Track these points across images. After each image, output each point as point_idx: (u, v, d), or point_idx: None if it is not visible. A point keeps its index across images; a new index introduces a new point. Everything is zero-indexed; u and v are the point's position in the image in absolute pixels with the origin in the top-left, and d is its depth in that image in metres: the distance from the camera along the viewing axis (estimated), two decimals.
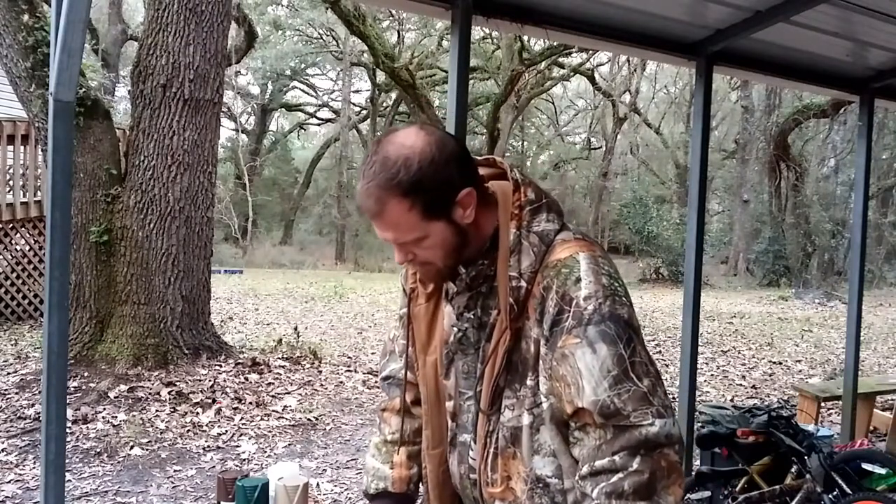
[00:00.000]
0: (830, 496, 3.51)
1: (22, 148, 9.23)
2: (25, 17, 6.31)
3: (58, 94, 2.18)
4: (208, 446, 5.08)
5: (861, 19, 3.47)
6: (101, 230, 6.64)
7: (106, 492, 4.27)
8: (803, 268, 19.40)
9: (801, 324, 12.31)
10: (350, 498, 4.25)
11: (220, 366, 6.86)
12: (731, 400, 6.63)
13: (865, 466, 3.74)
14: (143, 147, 6.75)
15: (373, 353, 8.47)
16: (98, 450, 4.85)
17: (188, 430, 5.34)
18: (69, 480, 4.24)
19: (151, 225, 6.73)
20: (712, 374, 7.93)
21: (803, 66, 4.21)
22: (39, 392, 5.55)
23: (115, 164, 6.85)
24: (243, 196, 26.81)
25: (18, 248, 9.22)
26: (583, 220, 32.46)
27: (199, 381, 6.37)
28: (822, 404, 5.31)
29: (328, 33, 27.79)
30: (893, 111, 15.85)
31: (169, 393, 5.95)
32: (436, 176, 1.19)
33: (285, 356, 7.56)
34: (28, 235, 9.31)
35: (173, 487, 4.38)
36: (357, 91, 32.63)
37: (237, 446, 5.11)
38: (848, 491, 3.47)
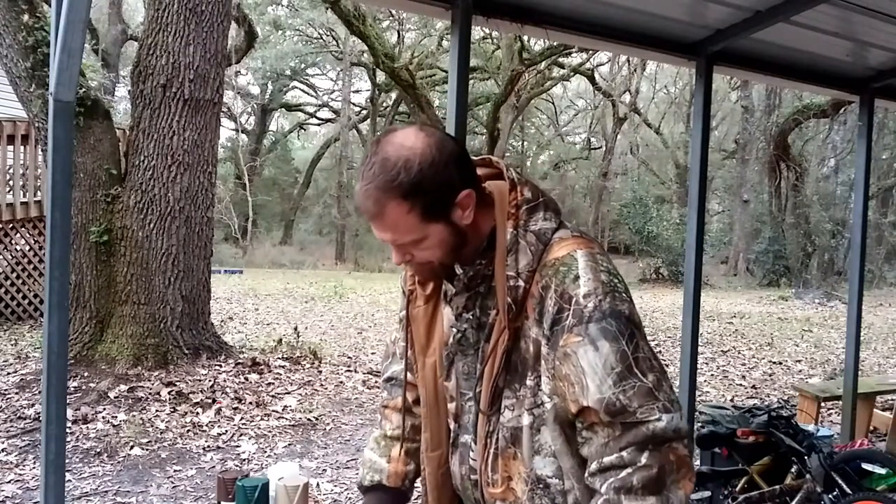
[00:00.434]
0: (830, 496, 3.51)
1: (22, 148, 9.23)
2: (25, 17, 6.31)
3: (58, 94, 2.18)
4: (208, 446, 5.08)
5: (861, 19, 3.46)
6: (101, 230, 6.64)
7: (106, 492, 4.27)
8: (803, 268, 19.40)
9: (801, 324, 12.31)
10: (350, 498, 4.25)
11: (220, 366, 6.86)
12: (731, 400, 6.63)
13: (865, 466, 3.74)
14: (143, 147, 6.75)
15: (373, 353, 8.47)
16: (98, 450, 4.85)
17: (188, 430, 5.34)
18: (69, 480, 4.24)
19: (151, 225, 6.73)
20: (712, 374, 7.93)
21: (803, 66, 4.21)
22: (39, 392, 5.55)
23: (115, 164, 6.85)
24: (243, 196, 26.81)
25: (18, 248, 9.22)
26: (583, 220, 32.44)
27: (199, 381, 6.37)
28: (822, 404, 5.31)
29: (328, 33, 27.79)
30: (893, 111, 15.85)
31: (169, 393, 5.95)
32: (436, 178, 1.19)
33: (285, 356, 7.56)
34: (28, 235, 9.31)
35: (173, 487, 4.38)
36: (357, 91, 32.66)
37: (237, 446, 5.11)
38: (848, 491, 3.47)
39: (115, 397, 5.80)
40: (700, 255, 3.88)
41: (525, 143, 33.88)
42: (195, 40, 6.79)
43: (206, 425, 5.46)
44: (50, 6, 4.04)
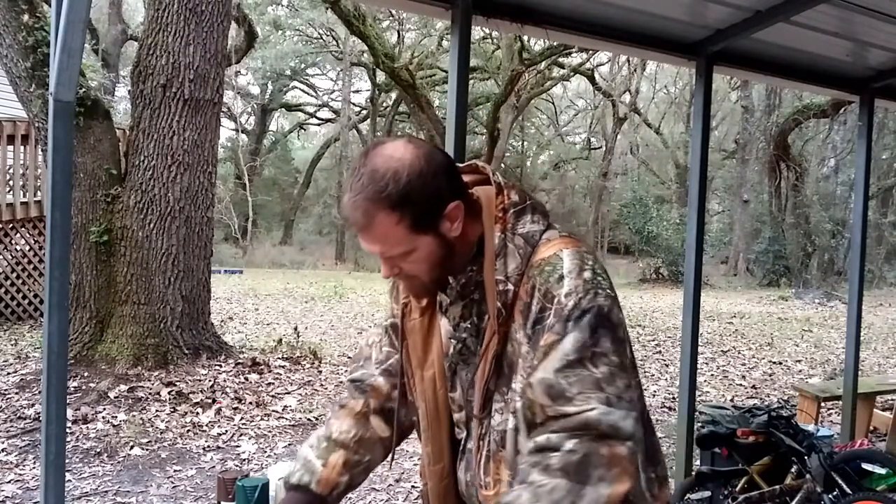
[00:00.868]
0: (830, 496, 3.51)
1: (22, 148, 9.23)
2: (25, 17, 6.31)
3: (58, 94, 2.18)
4: (208, 446, 5.08)
5: (861, 19, 3.47)
6: (101, 230, 6.64)
7: (106, 492, 4.27)
8: (803, 268, 19.41)
9: (801, 324, 12.31)
10: (350, 498, 4.25)
11: (220, 366, 6.86)
12: (731, 400, 6.64)
13: (865, 466, 3.75)
14: (143, 147, 6.75)
15: None
16: (98, 450, 4.85)
17: (188, 430, 5.34)
18: (69, 480, 4.24)
19: (151, 225, 6.73)
20: (712, 374, 7.93)
21: (803, 66, 4.21)
22: (39, 392, 5.55)
23: (115, 164, 6.85)
24: (243, 196, 26.83)
25: (18, 248, 9.22)
26: (583, 220, 32.46)
27: (199, 381, 6.37)
28: (822, 404, 5.31)
29: (328, 33, 27.79)
30: (893, 111, 15.86)
31: (169, 393, 5.95)
32: (424, 189, 1.18)
33: (285, 356, 7.56)
34: (28, 235, 9.31)
35: (173, 487, 4.38)
36: (357, 91, 32.67)
37: (237, 446, 5.11)
38: (848, 491, 3.47)
39: (115, 397, 5.80)
40: (700, 255, 3.88)
41: (525, 143, 33.87)
42: (195, 40, 6.79)
43: (206, 425, 5.46)
44: (50, 6, 4.04)
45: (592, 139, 33.99)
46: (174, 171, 6.80)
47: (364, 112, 32.04)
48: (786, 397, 6.48)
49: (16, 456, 4.68)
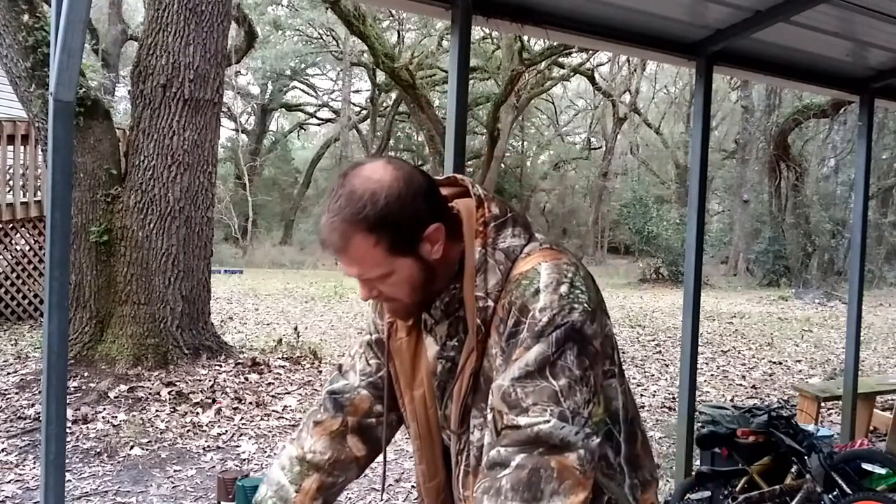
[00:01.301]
0: (830, 496, 3.51)
1: (22, 148, 9.23)
2: (25, 17, 6.31)
3: (58, 94, 2.18)
4: (208, 446, 5.08)
5: (861, 19, 3.47)
6: (101, 230, 6.64)
7: (106, 492, 4.27)
8: (803, 268, 19.41)
9: (801, 324, 12.31)
10: (350, 498, 4.25)
11: (220, 366, 6.86)
12: (731, 400, 6.63)
13: (865, 466, 3.74)
14: (143, 147, 6.75)
15: None
16: (98, 450, 4.85)
17: (188, 430, 5.34)
18: (69, 480, 4.24)
19: (151, 225, 6.73)
20: (712, 374, 7.93)
21: (803, 66, 4.21)
22: (39, 392, 5.55)
23: (115, 164, 6.85)
24: (243, 196, 26.82)
25: (18, 248, 9.23)
26: (583, 220, 32.52)
27: (199, 381, 6.37)
28: (822, 404, 5.31)
29: (328, 33, 27.80)
30: (893, 111, 15.86)
31: (169, 393, 5.95)
32: (402, 211, 1.17)
33: (285, 356, 7.56)
34: (28, 235, 9.31)
35: (173, 487, 4.38)
36: (357, 91, 32.69)
37: (237, 446, 5.11)
38: (848, 491, 3.47)
39: (115, 397, 5.80)
40: (700, 255, 3.88)
41: (525, 143, 33.89)
42: (195, 40, 6.79)
43: (206, 425, 5.46)
44: (50, 6, 4.04)
45: (592, 139, 34.01)
46: (174, 171, 6.80)
47: (364, 112, 32.05)
48: (786, 397, 6.48)
49: (16, 456, 4.68)
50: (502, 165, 26.89)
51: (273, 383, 6.65)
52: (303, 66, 31.18)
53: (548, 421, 1.11)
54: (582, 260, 1.32)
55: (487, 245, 1.22)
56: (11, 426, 5.21)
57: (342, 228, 1.17)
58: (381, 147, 29.26)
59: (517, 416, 1.12)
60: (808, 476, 3.60)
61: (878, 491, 3.77)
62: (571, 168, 33.80)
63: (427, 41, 24.53)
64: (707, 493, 3.72)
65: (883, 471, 3.77)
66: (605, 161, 29.98)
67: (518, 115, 24.73)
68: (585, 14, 3.37)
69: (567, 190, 34.25)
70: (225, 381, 6.46)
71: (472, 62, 17.97)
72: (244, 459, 4.87)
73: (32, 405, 5.58)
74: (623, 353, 8.55)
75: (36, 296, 9.09)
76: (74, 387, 5.90)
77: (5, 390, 5.97)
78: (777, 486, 3.67)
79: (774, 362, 8.74)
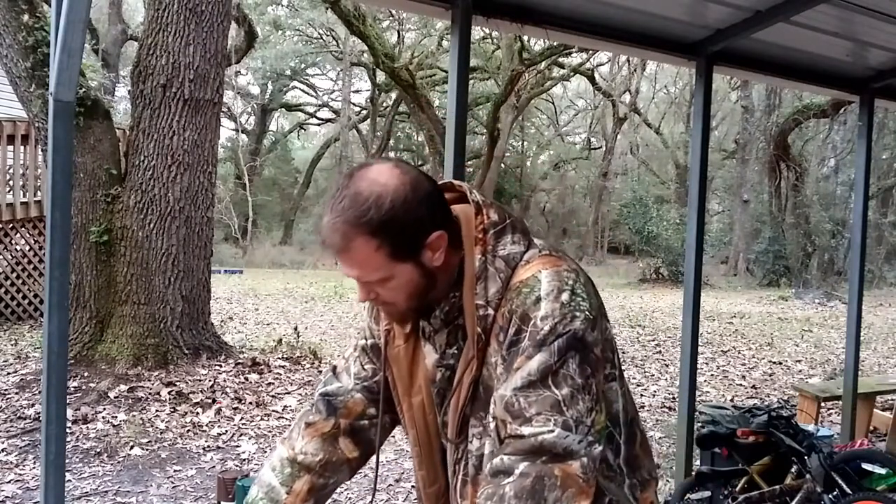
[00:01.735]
0: (830, 496, 3.51)
1: (22, 148, 9.23)
2: (25, 17, 6.31)
3: (58, 94, 2.18)
4: (208, 446, 5.08)
5: (861, 19, 3.47)
6: (101, 230, 6.64)
7: (106, 492, 4.27)
8: (803, 268, 19.40)
9: (801, 324, 12.31)
10: (350, 498, 4.25)
11: (220, 366, 6.86)
12: (731, 400, 6.63)
13: (865, 466, 3.75)
14: (143, 147, 6.75)
15: None
16: (98, 450, 4.85)
17: (188, 430, 5.34)
18: (69, 480, 4.24)
19: (151, 225, 6.73)
20: (712, 374, 7.93)
21: (803, 66, 4.21)
22: (39, 392, 5.55)
23: (115, 164, 6.85)
24: (243, 196, 26.82)
25: (18, 248, 9.22)
26: (583, 220, 32.51)
27: (199, 381, 6.37)
28: (822, 404, 5.31)
29: (328, 33, 27.79)
30: (893, 111, 15.86)
31: (169, 393, 5.95)
32: (406, 217, 1.15)
33: (285, 356, 7.56)
34: (28, 235, 9.31)
35: (173, 487, 4.38)
36: (357, 91, 32.68)
37: (237, 446, 5.11)
38: (848, 491, 3.47)
39: (115, 397, 5.80)
40: (700, 255, 3.88)
41: (525, 143, 33.88)
42: (195, 40, 6.79)
43: (206, 425, 5.46)
44: (50, 6, 4.04)
45: (592, 139, 34.01)
46: (174, 171, 6.80)
47: (364, 112, 32.04)
48: (786, 397, 6.47)
49: (16, 456, 4.68)
50: (502, 165, 26.90)
51: (273, 383, 6.65)
52: (303, 66, 31.17)
53: (552, 431, 1.11)
54: (582, 260, 1.31)
55: (487, 253, 1.21)
56: (11, 426, 5.21)
57: (344, 230, 1.16)
58: (380, 147, 29.26)
59: (521, 426, 1.12)
60: (808, 476, 3.60)
61: (878, 491, 3.77)
62: (571, 168, 33.80)
63: (427, 41, 24.53)
64: (707, 493, 3.72)
65: (883, 471, 3.77)
66: (605, 161, 29.98)
67: (518, 115, 24.72)
68: (585, 14, 3.37)
69: (567, 190, 34.25)
70: (225, 381, 6.46)
71: (472, 62, 17.96)
72: (244, 459, 4.87)
73: (32, 405, 5.58)
74: (623, 353, 8.56)
75: (36, 296, 9.09)
76: (74, 387, 5.90)
77: (5, 390, 5.97)
78: (777, 486, 3.67)
79: (774, 362, 8.74)
